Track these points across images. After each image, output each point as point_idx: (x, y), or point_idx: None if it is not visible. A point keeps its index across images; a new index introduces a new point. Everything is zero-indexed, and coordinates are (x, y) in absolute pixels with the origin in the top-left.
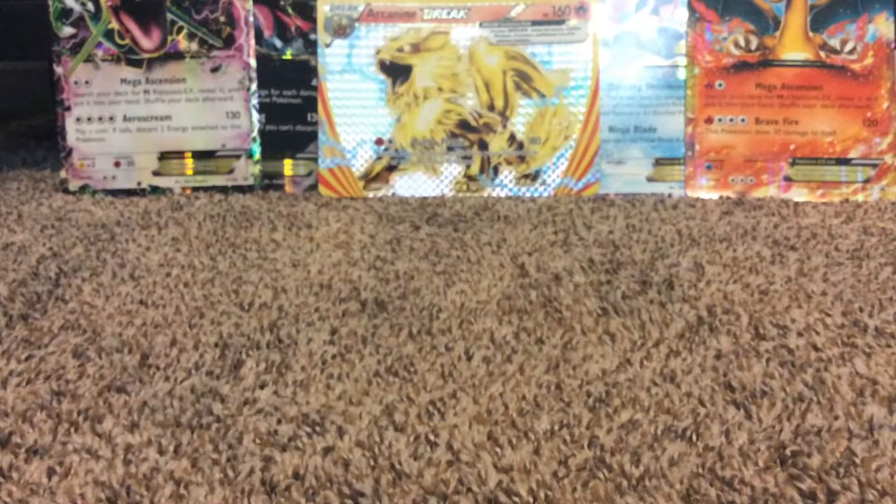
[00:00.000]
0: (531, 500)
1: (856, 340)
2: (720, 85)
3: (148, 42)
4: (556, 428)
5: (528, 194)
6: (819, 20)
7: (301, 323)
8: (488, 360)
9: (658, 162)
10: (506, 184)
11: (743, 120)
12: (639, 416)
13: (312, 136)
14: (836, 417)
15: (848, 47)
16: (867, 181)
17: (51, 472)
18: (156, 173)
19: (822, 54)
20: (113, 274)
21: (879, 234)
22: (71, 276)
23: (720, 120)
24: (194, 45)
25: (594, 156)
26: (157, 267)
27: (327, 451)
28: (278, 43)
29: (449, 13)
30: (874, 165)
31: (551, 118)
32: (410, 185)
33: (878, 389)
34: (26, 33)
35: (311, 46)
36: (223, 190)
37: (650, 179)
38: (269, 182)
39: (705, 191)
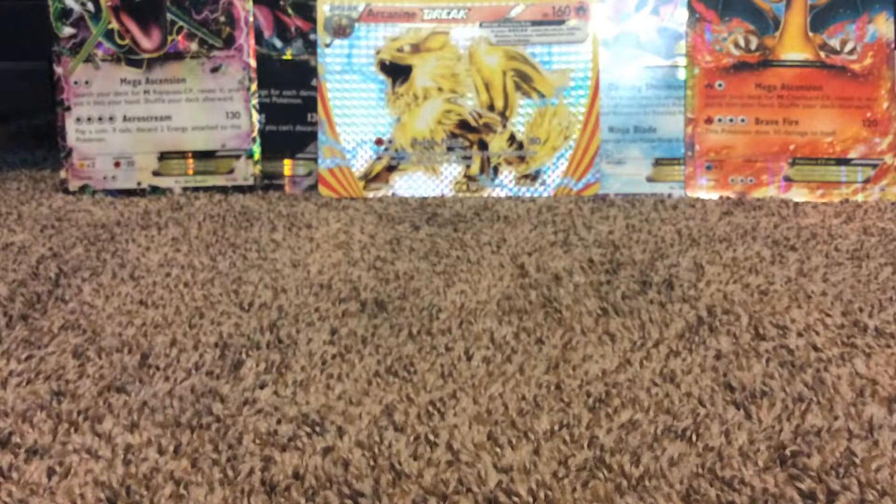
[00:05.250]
0: (531, 500)
1: (856, 340)
2: (720, 85)
3: (148, 42)
4: (556, 428)
5: (527, 194)
6: (819, 20)
7: (301, 323)
8: (488, 360)
9: (658, 162)
10: (506, 184)
11: (743, 120)
12: (639, 416)
13: (312, 136)
14: (836, 417)
15: (848, 47)
16: (867, 181)
17: (51, 472)
18: (156, 173)
19: (822, 54)
20: (113, 274)
21: (879, 234)
22: (71, 276)
23: (720, 120)
24: (195, 46)
25: (594, 156)
26: (157, 267)
27: (327, 451)
28: (278, 43)
29: (449, 13)
30: (874, 165)
31: (551, 118)
32: (410, 185)
33: (878, 389)
34: (26, 33)
35: (311, 46)
36: (223, 190)
37: (650, 179)
38: (269, 182)
39: (705, 191)
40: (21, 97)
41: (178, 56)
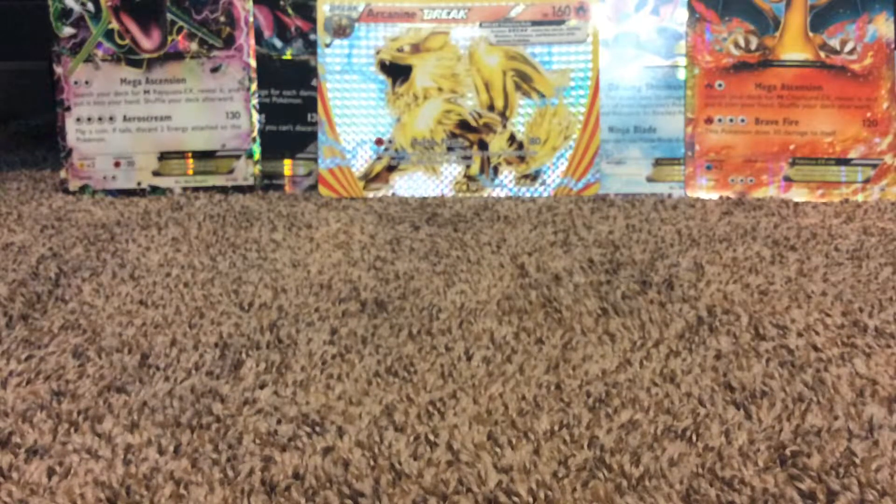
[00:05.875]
0: (531, 500)
1: (856, 340)
2: (720, 85)
3: (148, 42)
4: (556, 428)
5: (527, 194)
6: (819, 20)
7: (301, 323)
8: (488, 360)
9: (658, 162)
10: (506, 184)
11: (743, 120)
12: (639, 416)
13: (312, 136)
14: (836, 417)
15: (848, 47)
16: (867, 181)
17: (51, 472)
18: (156, 173)
19: (822, 54)
20: (113, 274)
21: (879, 234)
22: (71, 276)
23: (720, 120)
24: (195, 46)
25: (594, 156)
26: (157, 267)
27: (327, 451)
28: (278, 43)
29: (449, 13)
30: (874, 165)
31: (551, 118)
32: (410, 185)
33: (878, 389)
34: (26, 33)
35: (311, 46)
36: (223, 190)
37: (650, 179)
38: (269, 182)
39: (705, 191)
40: (21, 97)
41: (178, 56)
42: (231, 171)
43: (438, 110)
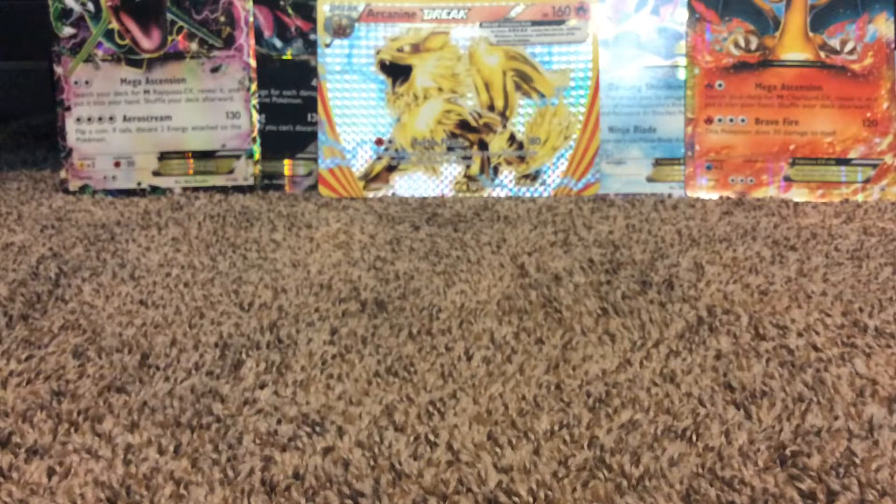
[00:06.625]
0: (531, 500)
1: (856, 340)
2: (720, 85)
3: (148, 42)
4: (556, 428)
5: (527, 194)
6: (819, 20)
7: (301, 323)
8: (488, 360)
9: (658, 162)
10: (506, 184)
11: (743, 120)
12: (639, 416)
13: (312, 136)
14: (836, 417)
15: (848, 47)
16: (867, 181)
17: (51, 472)
18: (156, 173)
19: (822, 54)
20: (113, 274)
21: (879, 234)
22: (71, 276)
23: (720, 120)
24: (195, 46)
25: (594, 156)
26: (157, 267)
27: (327, 451)
28: (278, 43)
29: (449, 13)
30: (874, 165)
31: (551, 118)
32: (410, 185)
33: (878, 389)
34: (26, 33)
35: (311, 46)
36: (223, 190)
37: (650, 179)
38: (269, 182)
39: (705, 191)
40: (21, 97)
41: (178, 56)
42: (231, 171)
43: (438, 110)
